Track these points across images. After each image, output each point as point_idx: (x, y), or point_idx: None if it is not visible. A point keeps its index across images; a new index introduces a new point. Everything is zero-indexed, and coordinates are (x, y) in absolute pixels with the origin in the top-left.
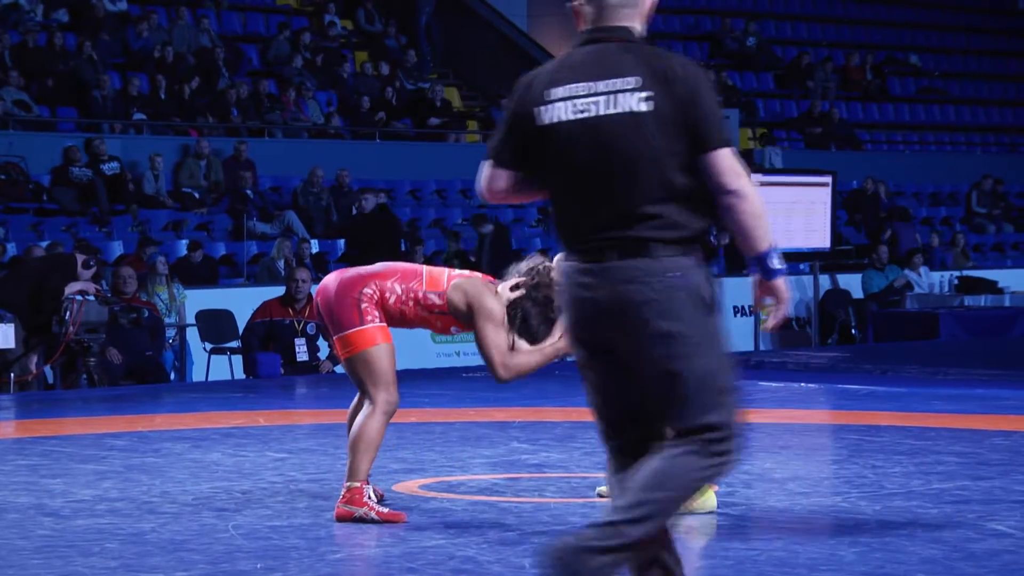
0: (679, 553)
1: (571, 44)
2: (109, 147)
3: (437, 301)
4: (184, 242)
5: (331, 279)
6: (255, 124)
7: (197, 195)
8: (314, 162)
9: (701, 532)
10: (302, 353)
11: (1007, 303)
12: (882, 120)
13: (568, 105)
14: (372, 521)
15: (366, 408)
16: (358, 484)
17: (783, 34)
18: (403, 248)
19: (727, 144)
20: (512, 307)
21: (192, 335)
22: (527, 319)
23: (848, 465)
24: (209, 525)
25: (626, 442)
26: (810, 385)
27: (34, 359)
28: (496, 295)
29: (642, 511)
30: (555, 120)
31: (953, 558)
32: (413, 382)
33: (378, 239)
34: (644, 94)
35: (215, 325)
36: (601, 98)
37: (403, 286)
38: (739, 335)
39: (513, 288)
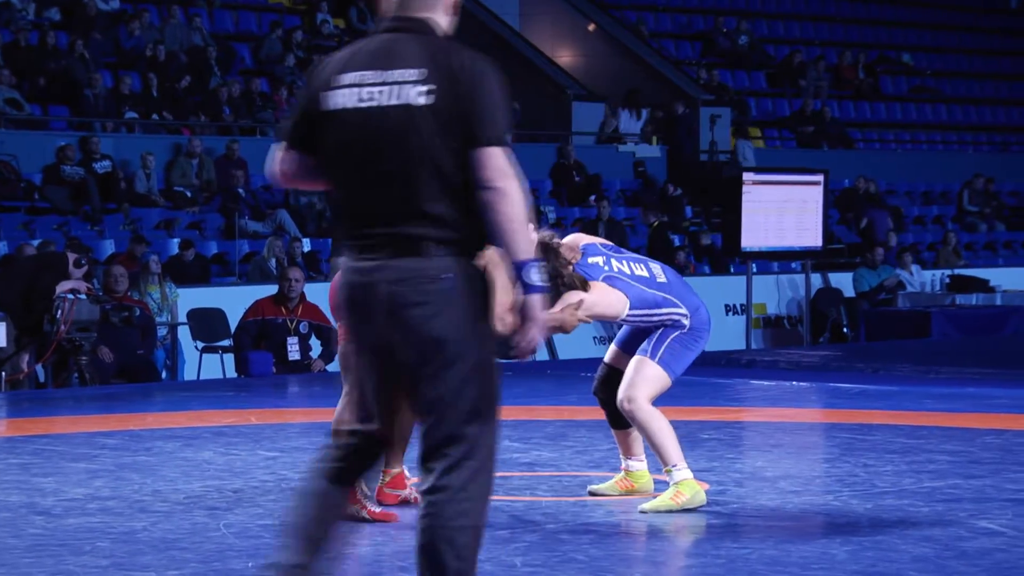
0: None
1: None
2: (101, 146)
3: None
4: (176, 241)
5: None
6: (247, 123)
7: (189, 194)
8: None
9: (692, 531)
10: (294, 352)
11: (998, 302)
12: (874, 119)
13: (354, 92)
14: (363, 520)
15: None
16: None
17: (775, 33)
18: None
19: (500, 143)
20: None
21: (184, 334)
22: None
23: (840, 464)
24: (201, 524)
25: (365, 437)
26: (802, 384)
27: (25, 358)
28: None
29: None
30: (339, 107)
31: (944, 556)
32: None
33: None
34: (426, 87)
35: (207, 324)
36: (386, 88)
37: None
38: (731, 334)
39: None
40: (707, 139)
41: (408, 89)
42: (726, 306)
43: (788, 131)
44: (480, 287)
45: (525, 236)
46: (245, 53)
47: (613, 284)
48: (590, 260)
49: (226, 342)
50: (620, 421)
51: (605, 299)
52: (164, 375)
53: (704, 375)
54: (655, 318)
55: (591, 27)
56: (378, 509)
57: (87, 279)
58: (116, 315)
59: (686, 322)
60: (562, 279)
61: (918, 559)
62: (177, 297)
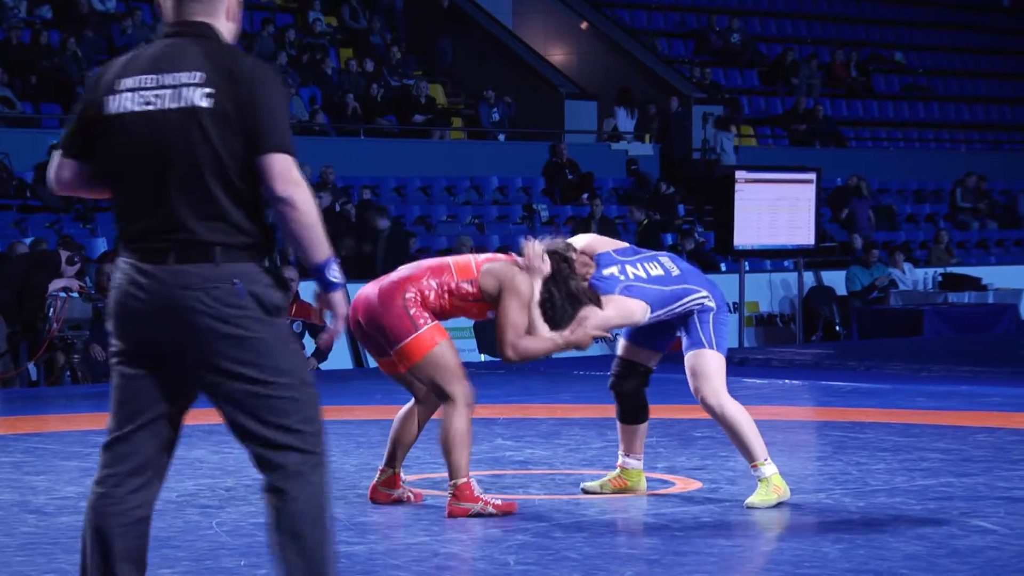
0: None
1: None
2: None
3: (471, 289)
4: None
5: (369, 291)
6: None
7: None
8: (298, 159)
9: (684, 528)
10: None
11: (991, 300)
12: (866, 117)
13: (135, 96)
14: (490, 515)
15: (445, 408)
16: (464, 480)
17: (768, 31)
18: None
19: (284, 150)
20: (544, 290)
21: None
22: (553, 303)
23: (832, 462)
24: (193, 522)
25: (131, 436)
26: (794, 382)
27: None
28: (527, 276)
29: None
30: (120, 110)
31: (937, 554)
32: None
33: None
34: (207, 90)
35: None
36: (166, 91)
37: (437, 281)
38: None
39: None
40: (700, 137)
41: (188, 92)
42: None
43: (781, 129)
44: (272, 290)
45: (320, 237)
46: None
47: (631, 294)
48: (605, 272)
49: None
50: (631, 416)
51: (622, 311)
52: None
53: None
54: (678, 310)
55: (584, 25)
56: (500, 502)
57: (79, 277)
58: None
59: (710, 303)
60: (575, 297)
61: (910, 557)
62: None
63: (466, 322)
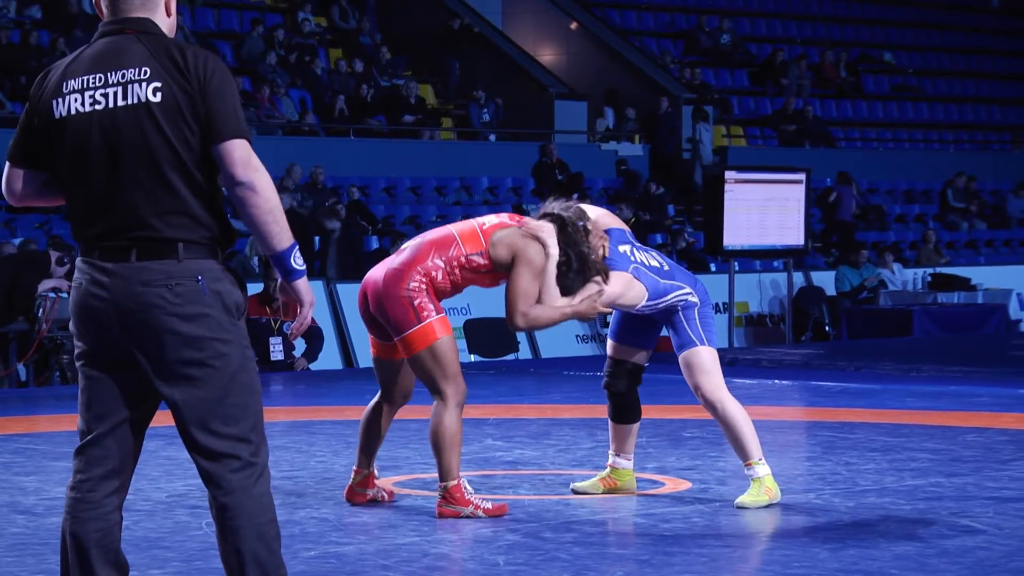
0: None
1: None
2: None
3: (481, 260)
4: None
5: (377, 275)
6: None
7: None
8: (288, 159)
9: (674, 529)
10: (277, 352)
11: (980, 300)
12: (856, 118)
13: (82, 97)
14: (479, 518)
15: (435, 405)
16: (455, 482)
17: (757, 31)
18: (385, 245)
19: (242, 135)
20: (562, 253)
21: None
22: (570, 266)
23: (822, 462)
24: (183, 523)
25: (102, 439)
26: (784, 382)
27: None
28: (540, 244)
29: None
30: (69, 113)
31: (926, 554)
32: None
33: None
34: (155, 84)
35: None
36: (113, 89)
37: (444, 257)
38: None
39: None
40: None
41: (135, 88)
42: None
43: (770, 130)
44: (234, 288)
45: (281, 224)
46: (227, 51)
47: (639, 277)
48: (620, 248)
49: None
50: (623, 416)
51: (630, 292)
52: None
53: None
54: (661, 305)
55: (573, 26)
56: (491, 505)
57: (69, 277)
58: None
59: (693, 299)
60: (587, 264)
61: (900, 557)
62: None
63: (455, 322)
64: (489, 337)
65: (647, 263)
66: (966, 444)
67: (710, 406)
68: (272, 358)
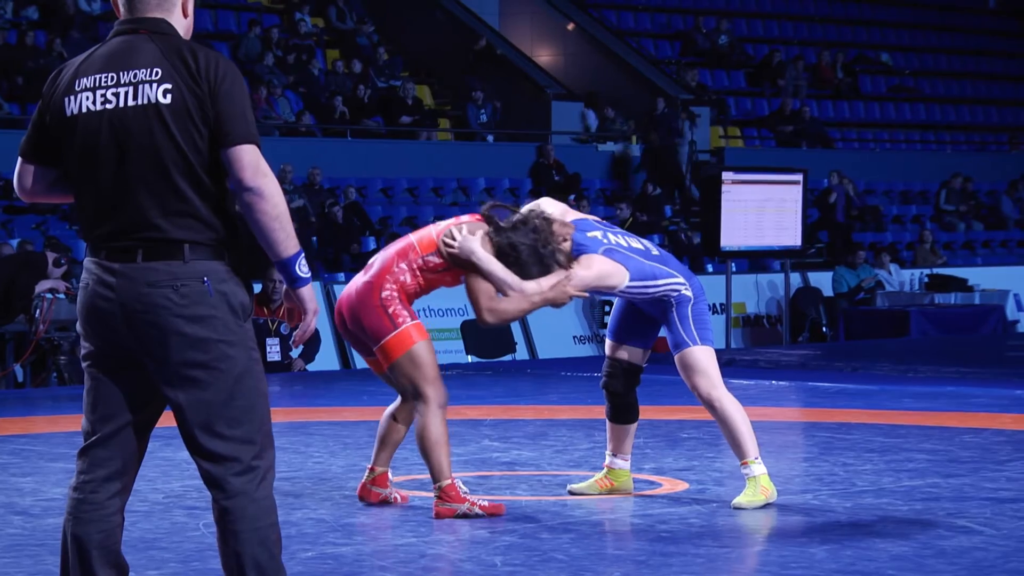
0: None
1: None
2: None
3: (437, 260)
4: None
5: (350, 290)
6: None
7: None
8: (285, 160)
9: (671, 530)
10: (273, 353)
11: (977, 301)
12: (853, 118)
13: (93, 95)
14: (476, 516)
15: (418, 409)
16: (448, 481)
17: (755, 32)
18: (380, 245)
19: (251, 140)
20: (508, 246)
21: None
22: (519, 255)
23: (819, 463)
24: (180, 523)
25: (107, 440)
26: (781, 383)
27: None
28: (483, 239)
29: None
30: (80, 111)
31: (924, 555)
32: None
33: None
34: (166, 86)
35: None
36: (123, 89)
37: (406, 263)
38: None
39: (498, 230)
40: (687, 138)
41: (146, 88)
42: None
43: (767, 130)
44: (240, 289)
45: (288, 231)
46: (224, 52)
47: (612, 257)
48: (588, 234)
49: None
50: (621, 416)
51: (602, 271)
52: None
53: None
54: (652, 290)
55: (570, 26)
56: (487, 503)
57: (66, 279)
58: None
59: (687, 292)
60: (552, 256)
61: (897, 558)
62: None
63: (452, 323)
64: (486, 338)
65: (627, 244)
66: (963, 445)
67: (707, 403)
68: (269, 359)
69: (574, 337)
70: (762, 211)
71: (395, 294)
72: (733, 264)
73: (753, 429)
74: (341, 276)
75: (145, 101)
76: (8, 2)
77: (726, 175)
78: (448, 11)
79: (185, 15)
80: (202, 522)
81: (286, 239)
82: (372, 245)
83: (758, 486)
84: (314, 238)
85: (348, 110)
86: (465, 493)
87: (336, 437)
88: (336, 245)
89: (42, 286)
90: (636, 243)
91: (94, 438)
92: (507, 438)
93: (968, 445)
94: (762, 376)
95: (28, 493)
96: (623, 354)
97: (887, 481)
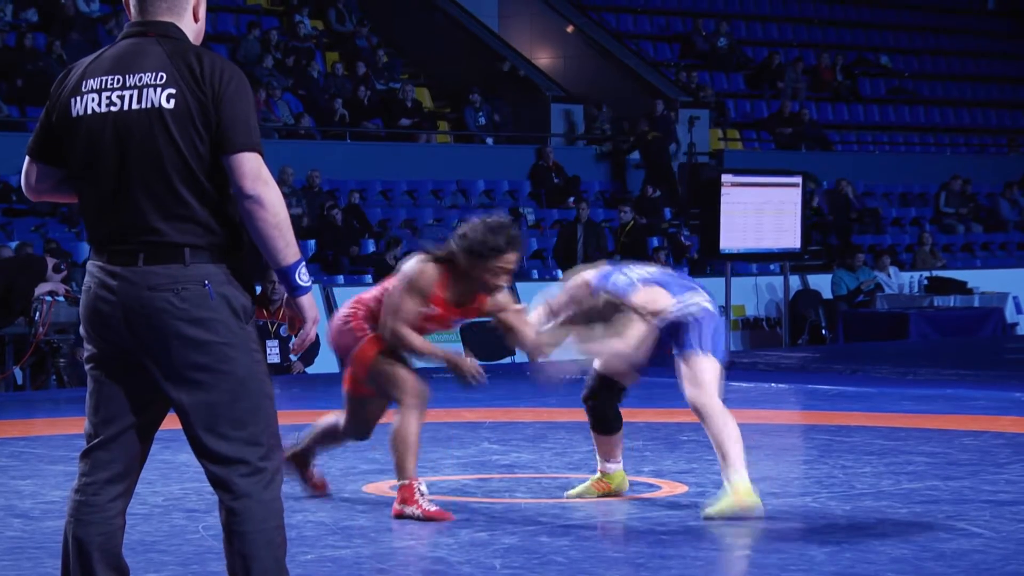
0: None
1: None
2: None
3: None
4: None
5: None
6: None
7: None
8: (284, 162)
9: (670, 532)
10: (273, 355)
11: (976, 303)
12: (852, 121)
13: (99, 97)
14: (418, 519)
15: (397, 411)
16: (407, 482)
17: (754, 35)
18: (380, 248)
19: (253, 148)
20: (449, 255)
21: None
22: (462, 252)
23: (818, 465)
24: (179, 526)
25: (110, 443)
26: (780, 385)
27: None
28: (425, 263)
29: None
30: (85, 112)
31: (923, 558)
32: None
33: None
34: (170, 90)
35: None
36: (128, 92)
37: (373, 296)
38: None
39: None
40: (686, 141)
41: (150, 92)
42: None
43: (766, 133)
44: (241, 292)
45: (288, 239)
46: (223, 54)
47: (648, 285)
48: (612, 279)
49: None
50: (604, 428)
51: (651, 298)
52: None
53: None
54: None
55: (570, 29)
56: (433, 508)
57: (66, 283)
58: None
59: (711, 308)
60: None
61: (896, 560)
62: None
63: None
64: (485, 341)
65: (650, 273)
66: (962, 447)
67: (701, 414)
68: (269, 361)
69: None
70: (761, 213)
71: (358, 312)
72: (732, 266)
73: (746, 434)
74: (340, 279)
75: (149, 105)
76: (8, 4)
77: (725, 177)
78: (448, 14)
79: (196, 19)
80: (201, 525)
81: (286, 247)
82: (371, 248)
83: (735, 495)
84: (312, 241)
85: (348, 112)
86: (420, 495)
87: None
88: (335, 248)
89: (42, 289)
90: (653, 267)
91: (96, 440)
92: (506, 441)
93: (967, 448)
94: (761, 379)
95: (27, 496)
96: (612, 374)
97: (886, 484)
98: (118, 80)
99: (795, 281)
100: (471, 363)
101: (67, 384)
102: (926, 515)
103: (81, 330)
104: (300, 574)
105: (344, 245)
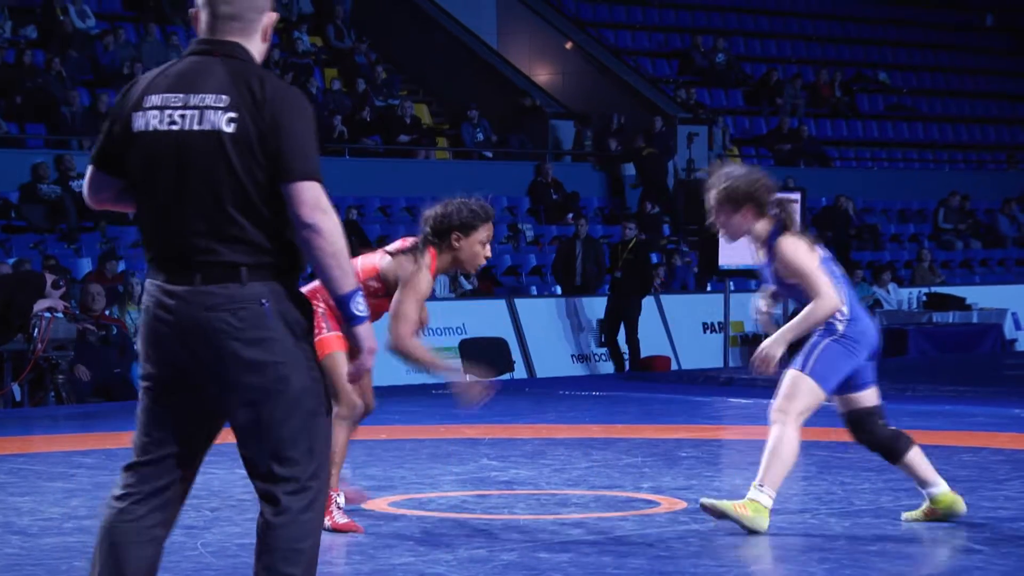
0: None
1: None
2: (78, 164)
3: (376, 285)
4: None
5: None
6: None
7: None
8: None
9: (671, 548)
10: None
11: (975, 319)
12: (851, 137)
13: (160, 115)
14: (326, 530)
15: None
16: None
17: (752, 51)
18: None
19: (311, 177)
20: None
21: None
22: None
23: (817, 481)
24: (178, 543)
25: (159, 461)
26: None
27: None
28: (422, 267)
29: None
30: (147, 128)
31: (923, 575)
32: (383, 399)
33: None
34: (231, 114)
35: None
36: (190, 112)
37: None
38: (709, 352)
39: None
40: (684, 157)
41: (211, 115)
42: (704, 324)
43: (765, 149)
44: (299, 311)
45: (345, 268)
46: None
47: (835, 281)
48: (833, 268)
49: None
50: (892, 455)
51: (829, 291)
52: None
53: (682, 393)
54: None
55: (568, 45)
56: (343, 521)
57: (65, 299)
58: (93, 334)
59: (841, 327)
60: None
61: None
62: None
63: (451, 341)
64: (484, 356)
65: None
66: (961, 464)
67: (773, 426)
68: None
69: (572, 356)
70: None
71: (319, 309)
72: (732, 283)
73: (747, 450)
74: None
75: (209, 127)
76: (6, 21)
77: None
78: (447, 31)
79: (264, 40)
80: (200, 542)
81: (342, 276)
82: None
83: (743, 504)
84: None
85: (347, 129)
86: (335, 507)
87: None
88: None
89: (40, 305)
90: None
91: (144, 458)
92: (505, 456)
93: (966, 464)
94: (761, 395)
95: (26, 512)
96: (849, 404)
97: (885, 500)
98: (180, 99)
99: None
100: (477, 385)
101: (66, 401)
102: (925, 532)
103: (137, 348)
104: None
105: None
